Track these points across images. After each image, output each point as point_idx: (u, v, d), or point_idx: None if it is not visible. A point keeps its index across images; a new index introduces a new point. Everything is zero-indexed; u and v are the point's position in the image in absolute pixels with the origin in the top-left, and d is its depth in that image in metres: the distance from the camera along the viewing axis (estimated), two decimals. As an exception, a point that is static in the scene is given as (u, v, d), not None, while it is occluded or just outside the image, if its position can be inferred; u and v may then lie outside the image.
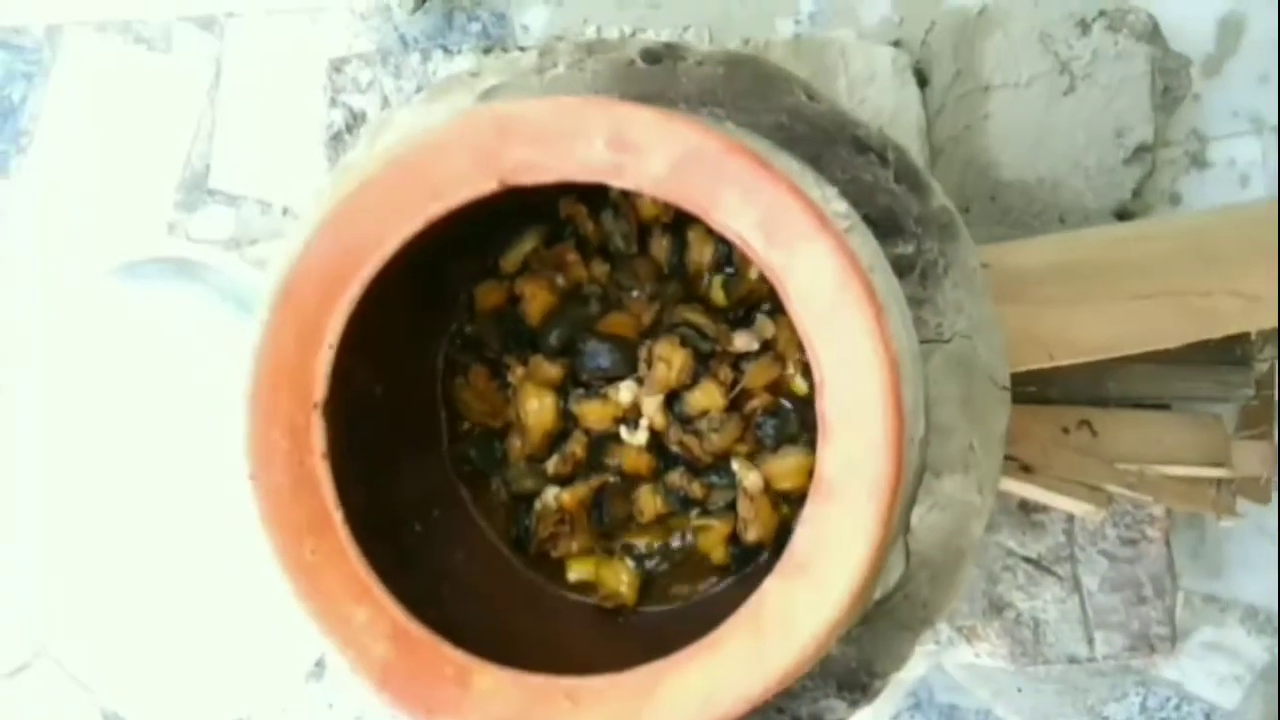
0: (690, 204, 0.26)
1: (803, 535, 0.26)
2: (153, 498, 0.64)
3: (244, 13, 0.67)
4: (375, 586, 0.27)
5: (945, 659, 0.61)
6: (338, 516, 0.28)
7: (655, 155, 0.26)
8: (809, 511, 0.26)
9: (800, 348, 0.39)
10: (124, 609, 0.64)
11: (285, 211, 0.67)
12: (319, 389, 0.27)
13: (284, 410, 0.27)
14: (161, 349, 0.64)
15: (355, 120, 0.61)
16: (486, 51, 0.61)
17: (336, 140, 0.62)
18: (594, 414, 0.38)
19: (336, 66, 0.61)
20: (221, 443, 0.62)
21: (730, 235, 0.27)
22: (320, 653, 0.63)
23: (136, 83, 0.67)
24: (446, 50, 0.61)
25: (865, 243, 0.30)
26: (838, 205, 0.30)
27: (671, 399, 0.38)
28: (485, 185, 0.27)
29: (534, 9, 0.64)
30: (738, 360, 0.39)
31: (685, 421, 0.38)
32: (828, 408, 0.26)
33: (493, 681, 0.27)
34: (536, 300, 0.38)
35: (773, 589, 0.26)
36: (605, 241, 0.40)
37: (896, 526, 0.29)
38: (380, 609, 0.27)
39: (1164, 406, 0.55)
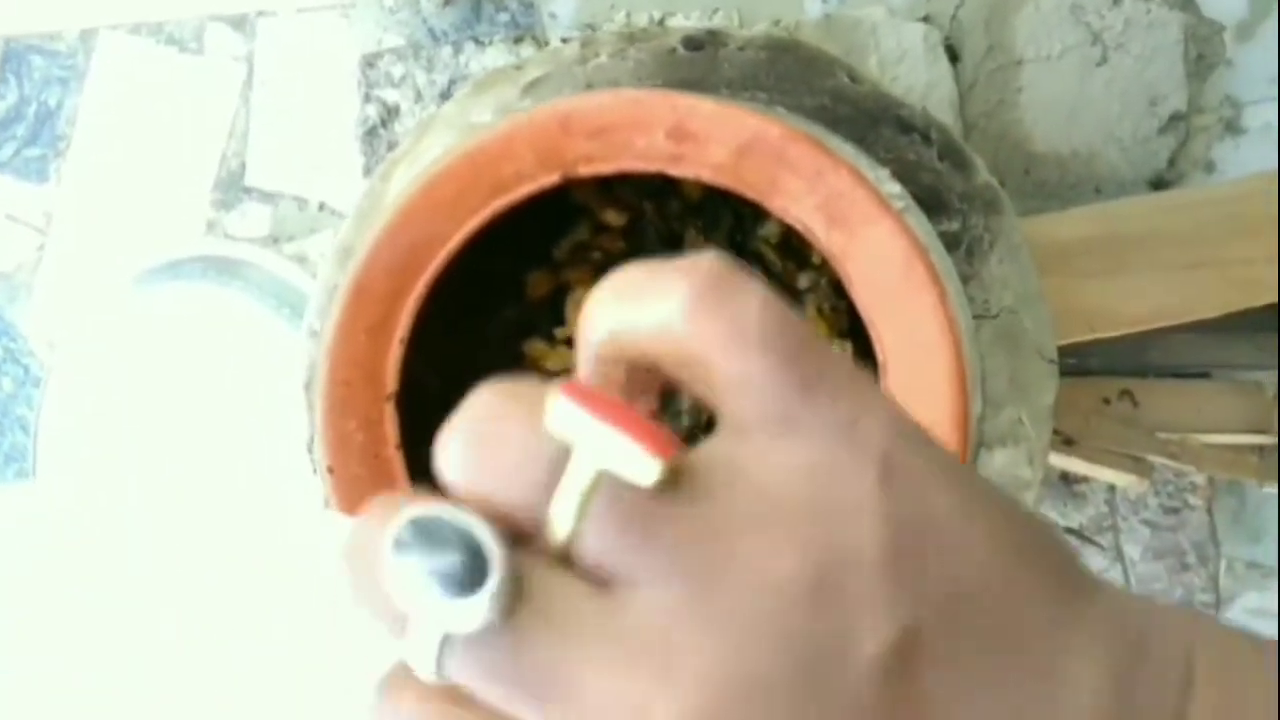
0: (750, 189, 0.27)
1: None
2: (200, 489, 0.65)
3: (275, 11, 0.68)
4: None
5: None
6: (413, 506, 0.28)
7: (715, 144, 0.26)
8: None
9: (830, 329, 0.39)
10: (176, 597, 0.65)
11: (321, 207, 0.68)
12: (391, 382, 0.28)
13: (358, 404, 0.28)
14: (205, 346, 0.65)
15: (389, 114, 0.62)
16: (518, 41, 0.61)
17: (371, 135, 0.62)
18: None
19: (369, 62, 0.62)
20: (267, 433, 0.63)
21: (790, 219, 0.27)
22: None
23: (170, 83, 0.68)
24: (478, 42, 0.61)
25: (920, 223, 0.30)
26: (891, 187, 0.30)
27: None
28: (547, 179, 0.27)
29: (562, -3, 0.65)
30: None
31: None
32: (892, 389, 0.27)
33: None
34: (584, 289, 0.39)
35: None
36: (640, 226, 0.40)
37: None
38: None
39: (1204, 375, 0.56)
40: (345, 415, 0.28)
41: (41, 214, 0.69)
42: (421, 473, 0.30)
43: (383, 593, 0.17)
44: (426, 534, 0.16)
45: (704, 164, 0.27)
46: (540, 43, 0.61)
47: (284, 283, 0.66)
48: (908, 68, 0.59)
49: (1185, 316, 0.49)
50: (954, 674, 0.17)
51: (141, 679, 0.66)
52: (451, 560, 0.16)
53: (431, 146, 0.40)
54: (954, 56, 0.59)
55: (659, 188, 0.35)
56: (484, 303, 0.39)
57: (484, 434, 0.17)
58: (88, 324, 0.67)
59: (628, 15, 0.62)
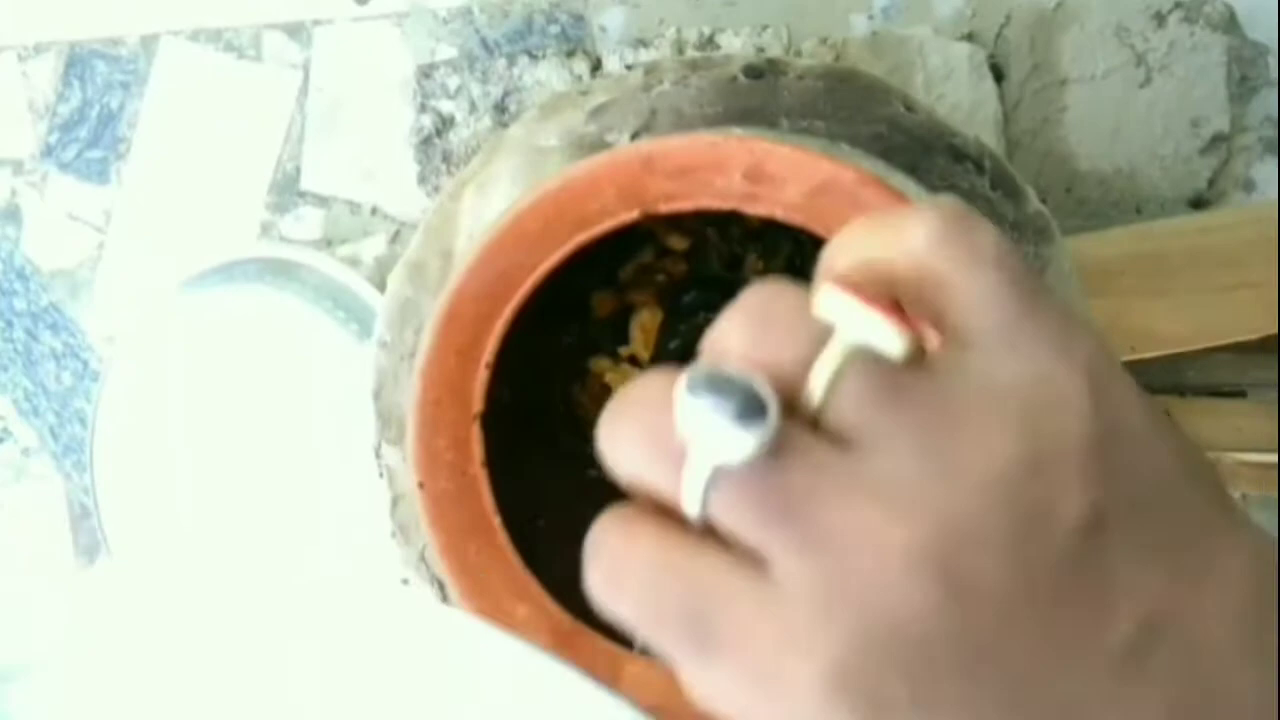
0: (821, 228, 0.28)
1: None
2: (254, 485, 0.67)
3: (331, 20, 0.69)
4: (533, 584, 0.30)
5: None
6: (497, 520, 0.30)
7: (791, 186, 0.28)
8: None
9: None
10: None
11: (374, 211, 0.69)
12: (478, 403, 0.30)
13: (447, 423, 0.30)
14: (260, 346, 0.67)
15: (444, 124, 0.64)
16: (570, 55, 0.63)
17: (426, 144, 0.64)
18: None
19: (425, 73, 0.63)
20: (320, 432, 0.65)
21: (859, 257, 0.29)
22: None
23: (228, 89, 0.70)
24: (531, 55, 0.63)
25: (979, 258, 0.32)
26: (953, 223, 0.31)
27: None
28: (628, 215, 0.29)
29: (611, 10, 0.66)
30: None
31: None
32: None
33: (641, 670, 0.29)
34: (648, 311, 0.40)
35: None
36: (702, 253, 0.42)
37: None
38: (539, 606, 0.30)
39: (1241, 394, 0.57)
40: (436, 433, 0.30)
41: (102, 213, 0.71)
42: (500, 486, 0.32)
43: (661, 435, 0.21)
44: (714, 382, 0.20)
45: (778, 203, 0.28)
46: (591, 57, 0.63)
47: (338, 284, 0.67)
48: (953, 85, 0.60)
49: (1225, 338, 0.50)
50: (1129, 551, 0.21)
51: (189, 675, 0.68)
52: (734, 402, 0.20)
53: (500, 171, 0.41)
54: (999, 75, 0.60)
55: (722, 214, 0.37)
56: (551, 319, 0.40)
57: (762, 314, 0.21)
58: (144, 322, 0.68)
59: (678, 31, 0.63)
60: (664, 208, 0.29)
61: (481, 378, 0.30)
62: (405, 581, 0.67)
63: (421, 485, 0.30)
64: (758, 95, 0.40)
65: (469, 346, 0.29)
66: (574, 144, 0.40)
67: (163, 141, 0.70)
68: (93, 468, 0.69)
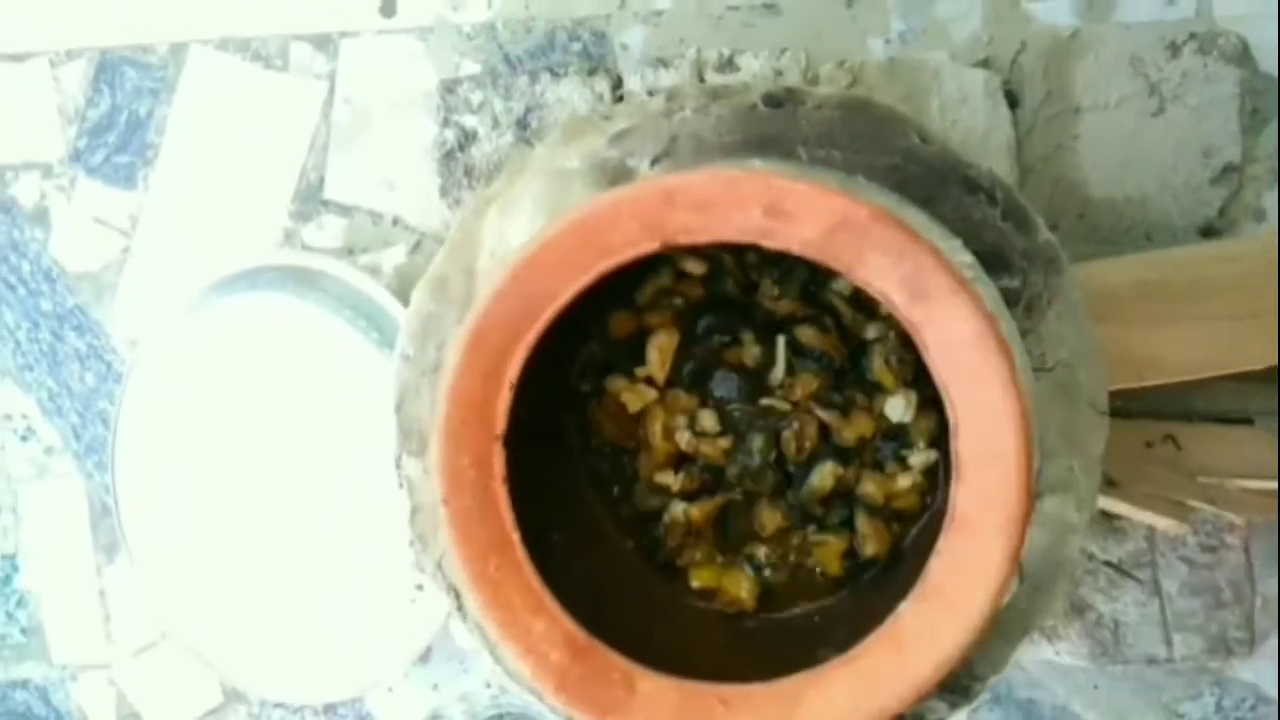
0: (836, 263, 0.29)
1: (938, 565, 0.29)
2: (273, 492, 0.67)
3: (357, 32, 0.71)
4: (549, 599, 0.31)
5: (1024, 656, 0.64)
6: (516, 536, 0.31)
7: (807, 222, 0.29)
8: (943, 544, 0.29)
9: (896, 378, 0.41)
10: (245, 595, 0.68)
11: (395, 221, 0.70)
12: (500, 423, 0.31)
13: (471, 442, 0.31)
14: (281, 352, 0.67)
15: (467, 139, 0.65)
16: (591, 73, 0.63)
17: (449, 158, 0.65)
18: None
19: (449, 88, 0.64)
20: (339, 441, 0.66)
21: (873, 292, 0.30)
22: (430, 640, 0.67)
23: (255, 99, 0.71)
24: (553, 73, 0.64)
25: (988, 291, 0.33)
26: (964, 257, 0.32)
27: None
28: (649, 246, 0.30)
29: (632, 29, 0.67)
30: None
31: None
32: (962, 449, 0.29)
33: (654, 686, 0.30)
34: (665, 333, 0.41)
35: (910, 612, 0.29)
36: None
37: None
38: (554, 620, 0.31)
39: (1247, 421, 0.57)
40: (460, 452, 0.31)
41: (128, 218, 0.72)
42: (518, 502, 0.33)
43: None
44: None
45: (795, 239, 0.29)
46: (612, 75, 0.64)
47: (359, 293, 0.68)
48: (968, 111, 0.61)
49: (1232, 368, 0.51)
50: None
51: (231, 656, 0.69)
52: None
53: (523, 192, 0.42)
54: (1013, 102, 0.61)
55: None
56: (570, 339, 0.41)
57: None
58: (167, 326, 0.69)
59: (698, 51, 0.64)
60: (684, 240, 0.30)
61: (504, 399, 0.31)
62: (420, 588, 0.68)
63: (445, 501, 0.31)
64: (776, 124, 0.41)
65: (494, 369, 0.30)
66: (596, 167, 0.41)
67: (189, 148, 0.71)
68: (114, 468, 0.70)
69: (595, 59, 0.67)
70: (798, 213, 0.29)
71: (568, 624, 0.31)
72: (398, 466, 0.43)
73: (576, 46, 0.68)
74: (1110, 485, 0.54)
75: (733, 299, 0.42)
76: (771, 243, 0.29)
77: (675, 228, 0.30)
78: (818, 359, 0.40)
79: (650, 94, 0.44)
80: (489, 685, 0.70)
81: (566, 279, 0.30)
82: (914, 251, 0.29)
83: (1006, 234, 0.41)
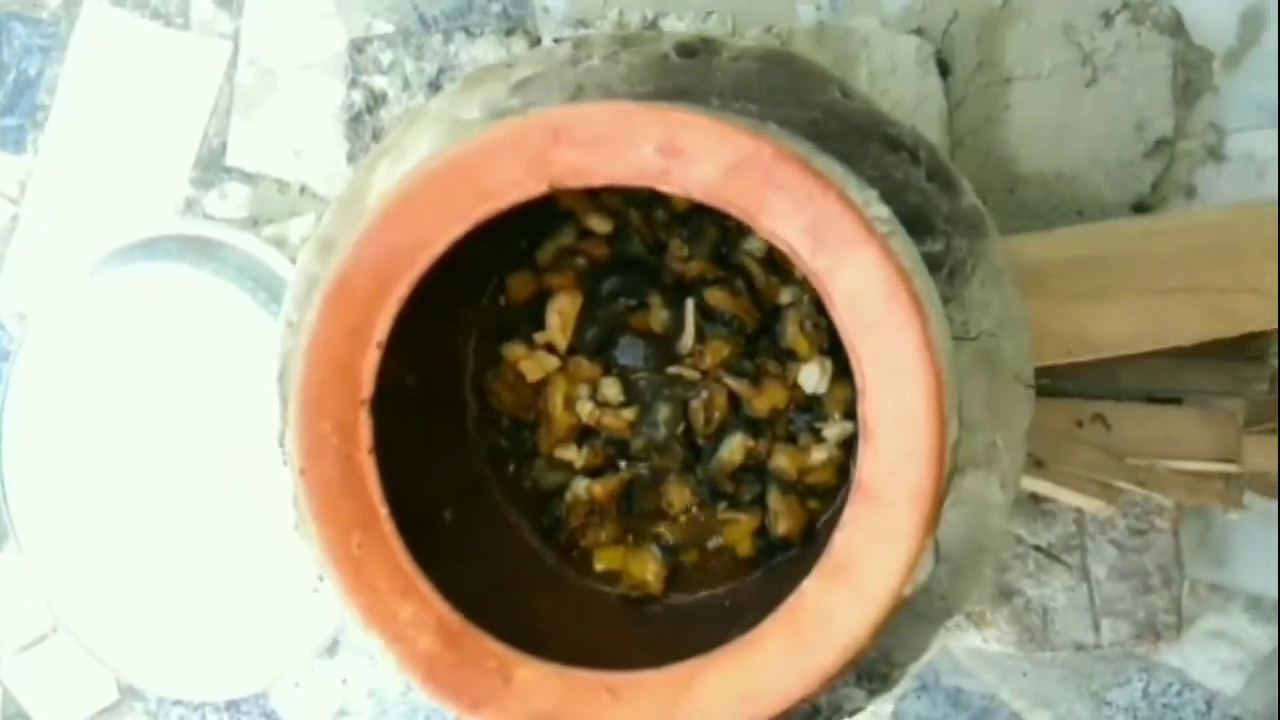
0: (736, 209, 0.27)
1: (842, 538, 0.27)
2: (169, 474, 0.64)
3: (263, -11, 0.67)
4: (420, 581, 0.28)
5: (952, 643, 0.62)
6: (384, 511, 0.28)
7: (706, 161, 0.26)
8: (849, 514, 0.27)
9: (811, 345, 0.39)
10: (140, 585, 0.65)
11: (303, 190, 0.67)
12: (367, 386, 0.28)
13: (333, 406, 0.28)
14: (178, 326, 0.64)
15: (376, 101, 0.61)
16: (509, 33, 0.60)
17: (356, 121, 0.62)
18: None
19: (358, 47, 0.61)
20: (239, 420, 0.63)
21: (776, 240, 0.27)
22: (335, 631, 0.64)
23: (154, 58, 0.67)
24: (469, 32, 0.61)
25: (906, 248, 0.30)
26: (879, 210, 0.30)
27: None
28: (535, 188, 0.27)
29: (555, -10, 0.64)
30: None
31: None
32: (870, 413, 0.27)
33: (534, 674, 0.27)
34: (566, 295, 0.38)
35: (812, 590, 0.27)
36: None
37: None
38: (425, 603, 0.28)
39: (1176, 400, 0.56)
40: (320, 417, 0.28)
41: (16, 184, 0.68)
42: (389, 471, 0.30)
43: None
44: None
45: (692, 180, 0.27)
46: (531, 36, 0.61)
47: (262, 265, 0.65)
48: (898, 80, 0.59)
49: (1163, 343, 0.49)
50: None
51: (126, 651, 0.66)
52: None
53: (418, 141, 0.39)
54: (945, 71, 0.59)
55: (646, 196, 0.35)
56: (461, 301, 0.38)
57: None
58: (58, 300, 0.66)
59: (620, 13, 0.61)
60: (573, 182, 0.27)
61: (372, 358, 0.28)
62: (322, 577, 0.65)
63: (303, 472, 0.28)
64: (690, 75, 0.39)
65: (359, 325, 0.27)
66: (496, 117, 0.38)
67: (83, 111, 0.67)
68: (0, 449, 0.66)
69: (514, 20, 0.63)
70: (695, 150, 0.26)
71: (440, 607, 0.28)
72: (280, 443, 0.40)
73: (496, 8, 0.65)
74: (1038, 466, 0.53)
75: (640, 260, 0.39)
76: (667, 186, 0.27)
77: (563, 168, 0.27)
78: (728, 324, 0.38)
79: (556, 41, 0.42)
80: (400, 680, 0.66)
81: (442, 226, 0.27)
82: (821, 196, 0.26)
83: (930, 195, 0.39)
